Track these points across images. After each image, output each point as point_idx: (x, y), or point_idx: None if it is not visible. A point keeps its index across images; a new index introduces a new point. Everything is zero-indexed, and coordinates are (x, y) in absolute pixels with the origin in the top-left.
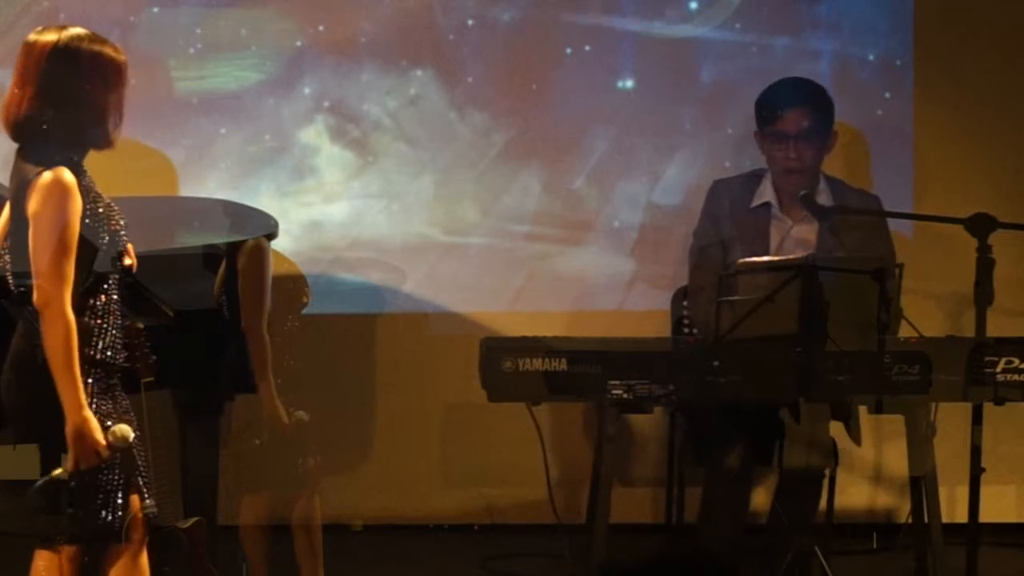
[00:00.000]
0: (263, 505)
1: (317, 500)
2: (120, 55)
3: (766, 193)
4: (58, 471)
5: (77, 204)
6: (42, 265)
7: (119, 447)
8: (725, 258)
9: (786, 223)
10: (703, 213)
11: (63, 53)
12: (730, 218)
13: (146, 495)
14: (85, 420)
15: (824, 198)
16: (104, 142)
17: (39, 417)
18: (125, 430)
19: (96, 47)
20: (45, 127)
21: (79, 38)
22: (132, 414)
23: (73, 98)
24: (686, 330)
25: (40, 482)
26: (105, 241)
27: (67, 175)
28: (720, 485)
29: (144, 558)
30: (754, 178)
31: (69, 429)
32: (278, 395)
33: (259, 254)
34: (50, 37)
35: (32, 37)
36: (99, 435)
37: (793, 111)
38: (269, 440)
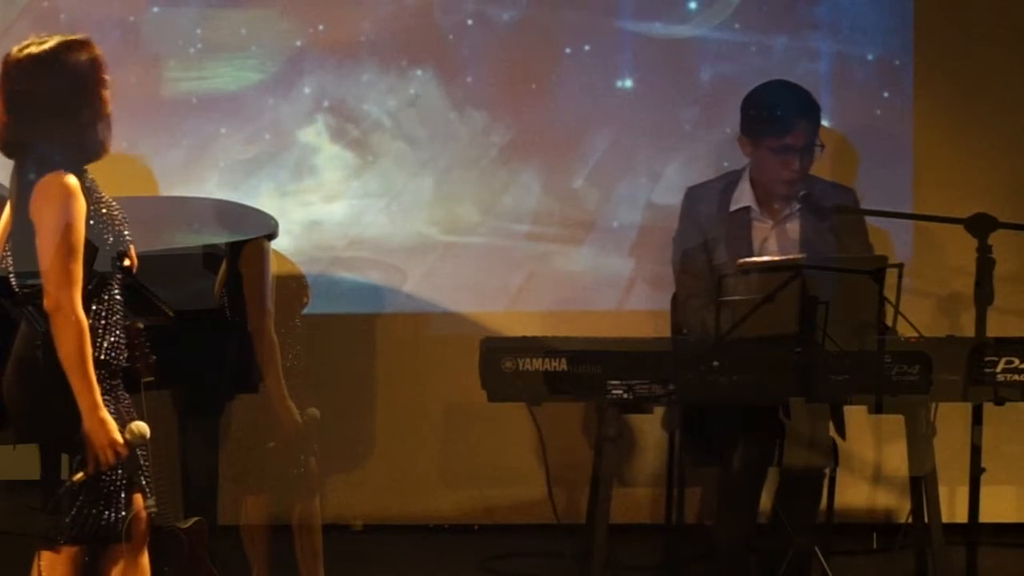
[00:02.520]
0: (264, 506)
1: (317, 500)
2: (85, 54)
3: (745, 196)
4: (79, 475)
5: (81, 206)
6: (50, 268)
7: (137, 444)
8: (710, 262)
9: (767, 224)
10: (682, 220)
11: (20, 67)
12: (710, 223)
13: (149, 494)
14: (102, 421)
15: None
16: (92, 147)
17: (41, 418)
18: (142, 427)
19: (63, 55)
20: (29, 143)
21: (39, 49)
22: (134, 413)
23: (43, 109)
24: (685, 330)
25: (63, 488)
26: (109, 243)
27: (70, 178)
28: (732, 488)
29: (145, 558)
30: (729, 182)
31: (87, 430)
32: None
33: (260, 255)
34: (7, 56)
35: None
36: (117, 434)
37: (797, 123)
38: (281, 441)
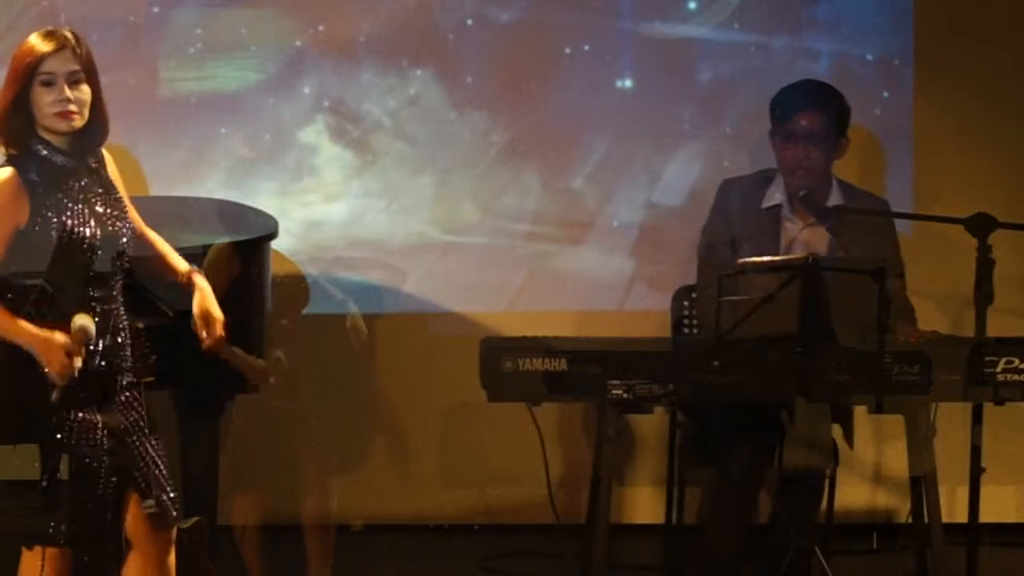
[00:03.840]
0: (256, 505)
1: (333, 500)
2: (30, 48)
3: (777, 195)
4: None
5: (6, 204)
6: None
7: (84, 338)
8: (734, 257)
9: (796, 225)
10: (713, 211)
11: None
12: (740, 218)
13: (152, 494)
14: (36, 336)
15: (836, 201)
16: (22, 139)
17: (31, 418)
18: (82, 320)
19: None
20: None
21: None
22: (136, 405)
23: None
24: (686, 329)
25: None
26: (56, 244)
27: (3, 174)
28: (727, 490)
29: (170, 559)
30: (764, 179)
31: (37, 353)
32: (278, 394)
33: (218, 257)
34: None
35: None
36: (59, 338)
37: (802, 113)
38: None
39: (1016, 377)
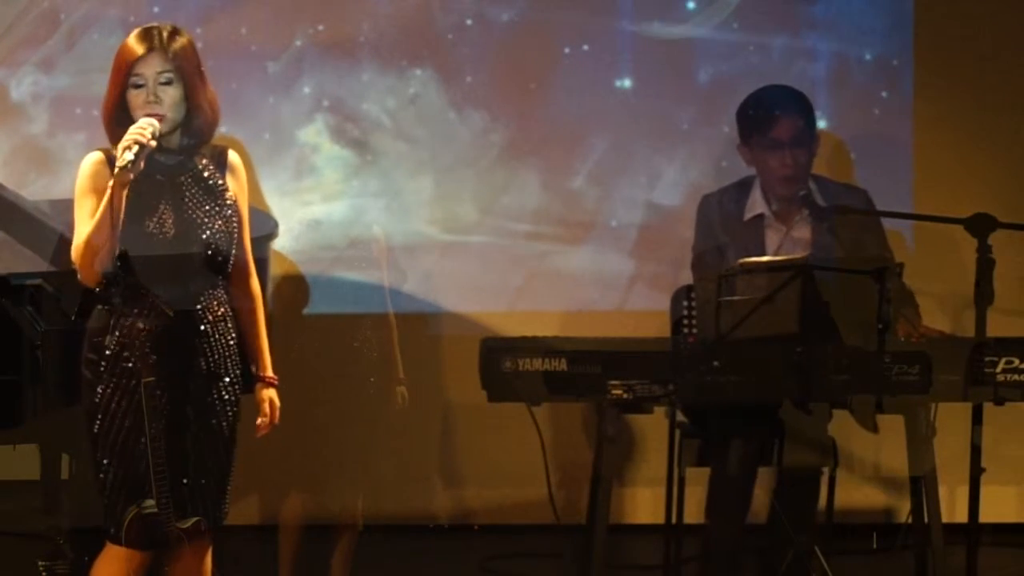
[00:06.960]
0: (302, 505)
1: (361, 502)
2: (125, 51)
3: (757, 204)
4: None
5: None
6: None
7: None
8: (725, 266)
9: (780, 230)
10: (697, 229)
11: None
12: (723, 231)
13: (154, 495)
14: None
15: (816, 198)
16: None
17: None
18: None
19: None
20: None
21: None
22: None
23: None
24: (685, 330)
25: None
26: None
27: (91, 156)
28: (726, 489)
29: (202, 564)
30: (742, 189)
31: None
32: (280, 395)
33: None
34: None
35: None
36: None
37: (785, 119)
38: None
39: (1016, 377)
